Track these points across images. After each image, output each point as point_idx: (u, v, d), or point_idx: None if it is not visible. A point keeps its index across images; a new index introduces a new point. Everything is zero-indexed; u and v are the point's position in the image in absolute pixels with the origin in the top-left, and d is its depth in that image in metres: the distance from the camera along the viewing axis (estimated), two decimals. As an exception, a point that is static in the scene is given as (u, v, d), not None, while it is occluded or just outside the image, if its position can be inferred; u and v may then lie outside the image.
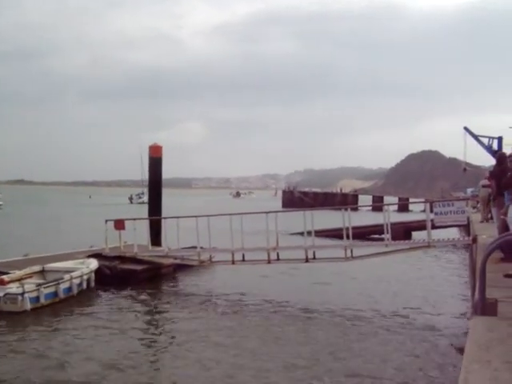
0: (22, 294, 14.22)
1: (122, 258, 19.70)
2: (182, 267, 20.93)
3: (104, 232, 20.34)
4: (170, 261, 20.44)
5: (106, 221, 20.53)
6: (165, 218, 22.61)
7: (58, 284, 15.50)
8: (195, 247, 19.38)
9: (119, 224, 20.52)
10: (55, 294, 15.40)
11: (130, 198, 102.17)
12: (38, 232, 36.97)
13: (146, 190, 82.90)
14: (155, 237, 22.37)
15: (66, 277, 15.93)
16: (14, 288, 14.58)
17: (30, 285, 14.84)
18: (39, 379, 9.65)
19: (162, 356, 11.28)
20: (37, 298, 14.69)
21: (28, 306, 14.22)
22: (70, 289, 16.00)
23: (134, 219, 20.84)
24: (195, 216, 19.44)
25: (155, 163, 26.54)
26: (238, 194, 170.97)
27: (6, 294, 14.22)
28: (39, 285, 15.00)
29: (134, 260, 19.74)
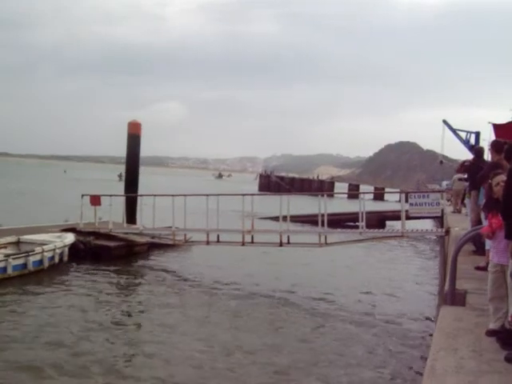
0: None
1: (96, 234, 19.62)
2: (156, 246, 20.90)
3: (79, 207, 20.26)
4: (145, 239, 20.41)
5: (82, 195, 20.42)
6: (141, 195, 22.50)
7: (28, 256, 15.35)
8: (170, 227, 19.34)
9: (95, 200, 20.43)
10: (24, 265, 15.25)
11: (120, 175, 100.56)
12: (20, 204, 36.62)
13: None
14: (130, 215, 22.30)
15: (37, 249, 15.80)
16: None
17: None
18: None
19: (128, 332, 11.31)
20: (4, 269, 14.58)
21: None
22: (40, 262, 15.84)
23: (110, 195, 20.73)
24: (172, 195, 19.37)
25: (133, 140, 26.25)
26: (220, 176, 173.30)
27: None
28: (7, 255, 14.88)
29: (108, 236, 19.67)
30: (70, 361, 9.27)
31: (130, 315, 12.61)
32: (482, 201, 9.39)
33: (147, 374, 8.93)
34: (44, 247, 16.09)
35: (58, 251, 16.69)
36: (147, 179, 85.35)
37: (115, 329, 11.33)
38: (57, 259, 16.67)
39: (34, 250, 15.66)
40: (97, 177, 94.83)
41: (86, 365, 9.11)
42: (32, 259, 15.46)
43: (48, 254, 16.14)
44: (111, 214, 20.01)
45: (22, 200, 41.34)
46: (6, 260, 14.68)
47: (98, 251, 18.53)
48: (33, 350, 9.68)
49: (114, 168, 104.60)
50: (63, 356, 9.47)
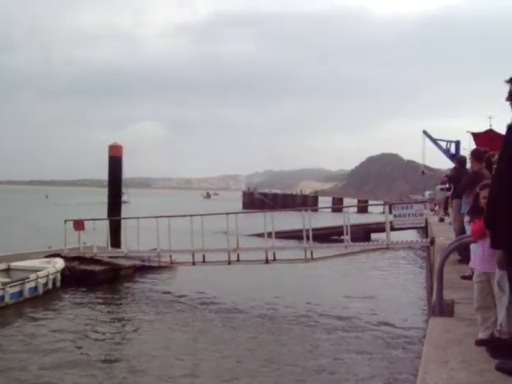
0: None
1: (81, 259, 19.44)
2: (142, 269, 20.71)
3: (63, 232, 20.06)
4: (130, 262, 20.24)
5: (66, 221, 20.26)
6: (125, 218, 22.38)
7: (24, 283, 15.35)
8: (156, 249, 19.23)
9: (78, 224, 20.27)
10: (20, 293, 15.25)
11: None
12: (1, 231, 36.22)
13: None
14: (115, 238, 22.16)
15: (32, 276, 15.76)
16: None
17: None
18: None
19: (121, 355, 11.30)
20: (1, 297, 14.56)
21: None
22: (35, 288, 15.82)
23: (94, 219, 20.63)
24: (156, 217, 19.34)
25: (115, 163, 26.10)
26: (208, 195, 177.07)
27: None
28: (4, 284, 14.85)
29: (93, 261, 19.50)
30: None
31: (120, 342, 12.50)
32: (465, 210, 9.43)
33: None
34: (38, 273, 16.05)
35: (51, 277, 16.68)
36: (136, 201, 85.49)
37: (108, 361, 11.22)
38: (50, 285, 16.64)
39: (29, 277, 15.61)
40: (80, 201, 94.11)
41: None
42: (28, 286, 15.46)
43: (42, 281, 16.12)
44: (95, 238, 19.87)
45: (3, 227, 40.85)
46: (4, 289, 14.64)
47: (83, 276, 18.33)
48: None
49: (97, 191, 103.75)
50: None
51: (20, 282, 15.32)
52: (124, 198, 78.75)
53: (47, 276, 16.45)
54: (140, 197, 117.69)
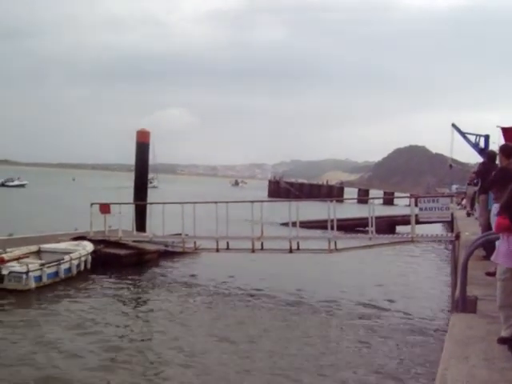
0: (27, 272, 14.49)
1: (106, 242, 19.64)
2: (166, 253, 20.87)
3: (89, 215, 20.26)
4: (155, 247, 20.39)
5: (92, 204, 20.44)
6: (150, 203, 22.51)
7: (60, 264, 15.81)
8: (180, 234, 19.34)
9: (104, 208, 20.44)
10: (56, 273, 15.70)
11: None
12: (28, 212, 36.69)
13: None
14: (140, 222, 22.35)
15: (66, 258, 16.22)
16: (17, 267, 14.78)
17: (33, 264, 15.06)
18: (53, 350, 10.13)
19: (150, 339, 11.51)
20: (40, 277, 14.96)
21: (33, 284, 14.55)
22: (69, 269, 16.30)
23: (120, 203, 20.79)
24: (181, 203, 19.43)
25: (142, 148, 26.33)
26: (236, 183, 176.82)
27: (10, 273, 14.50)
28: (42, 264, 15.24)
29: (118, 245, 19.68)
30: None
31: (146, 322, 12.75)
32: (492, 205, 9.33)
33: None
34: (71, 255, 16.50)
35: (82, 259, 17.14)
36: (163, 187, 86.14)
37: (136, 337, 11.50)
38: (82, 267, 17.10)
39: (63, 259, 16.05)
40: (106, 184, 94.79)
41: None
42: (63, 267, 15.94)
43: (75, 262, 16.59)
44: (121, 222, 20.04)
45: (32, 208, 41.42)
46: (41, 269, 15.05)
47: (109, 259, 18.50)
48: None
49: (124, 176, 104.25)
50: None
51: (56, 263, 15.74)
52: (154, 183, 79.69)
53: (79, 258, 16.91)
54: (167, 183, 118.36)
